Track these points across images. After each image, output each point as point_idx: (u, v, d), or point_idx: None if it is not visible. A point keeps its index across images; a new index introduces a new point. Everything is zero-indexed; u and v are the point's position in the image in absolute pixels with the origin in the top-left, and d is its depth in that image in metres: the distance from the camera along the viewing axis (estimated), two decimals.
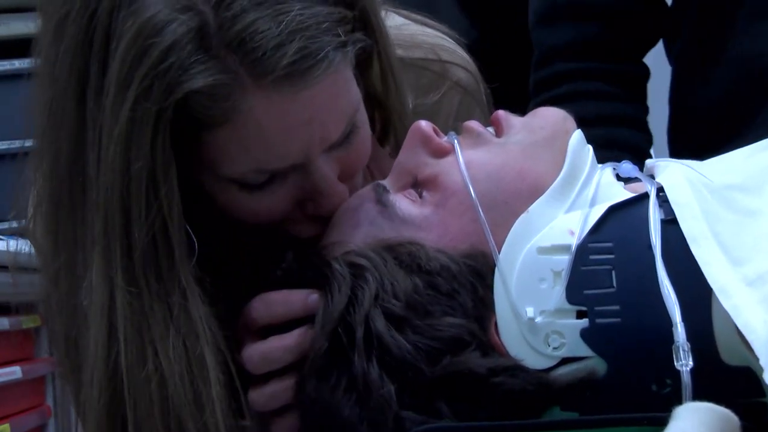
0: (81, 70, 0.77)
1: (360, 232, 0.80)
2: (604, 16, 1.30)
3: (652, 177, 0.80)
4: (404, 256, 0.75)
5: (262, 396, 0.79)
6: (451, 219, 0.77)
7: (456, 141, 0.81)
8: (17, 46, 2.97)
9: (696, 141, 1.27)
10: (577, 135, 0.81)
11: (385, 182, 0.82)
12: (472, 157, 0.79)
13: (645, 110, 1.35)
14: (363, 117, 0.88)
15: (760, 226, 0.72)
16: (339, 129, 0.83)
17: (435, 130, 0.83)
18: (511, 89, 1.33)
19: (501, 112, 0.83)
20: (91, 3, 0.77)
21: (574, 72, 1.31)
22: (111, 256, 0.78)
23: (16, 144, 2.87)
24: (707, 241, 0.71)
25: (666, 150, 1.37)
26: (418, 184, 0.81)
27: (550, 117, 0.82)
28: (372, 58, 0.91)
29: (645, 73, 1.36)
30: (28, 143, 0.86)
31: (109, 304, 0.78)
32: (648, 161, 0.84)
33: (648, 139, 1.35)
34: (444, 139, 0.82)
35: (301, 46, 0.76)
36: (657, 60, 1.38)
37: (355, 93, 0.85)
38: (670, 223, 0.73)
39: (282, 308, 0.78)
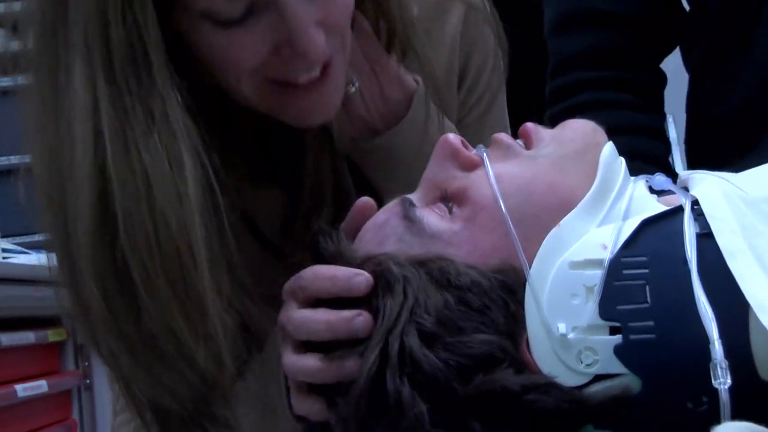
0: None
1: (387, 248, 0.78)
2: (619, 24, 1.29)
3: (686, 189, 0.78)
4: (435, 271, 0.74)
5: (295, 366, 0.78)
6: (481, 234, 0.76)
7: (485, 154, 0.80)
8: None
9: (714, 150, 1.25)
10: (609, 147, 0.79)
11: (412, 196, 0.81)
12: (502, 171, 0.78)
13: (662, 118, 1.34)
14: None
15: None
16: None
17: (463, 143, 0.81)
18: (526, 97, 1.33)
19: (530, 125, 0.81)
20: None
21: (591, 81, 1.30)
22: (92, 61, 0.81)
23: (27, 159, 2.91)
24: (744, 256, 0.69)
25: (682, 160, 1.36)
26: (448, 198, 0.79)
27: (580, 129, 0.81)
28: None
29: (662, 80, 1.34)
30: None
31: (92, 107, 0.81)
32: (681, 173, 0.82)
33: (666, 148, 1.33)
34: (473, 152, 0.81)
35: None
36: (673, 67, 1.36)
37: None
38: (705, 237, 0.71)
39: (329, 283, 0.77)
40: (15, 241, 2.46)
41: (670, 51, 1.34)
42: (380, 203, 0.86)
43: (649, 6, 1.29)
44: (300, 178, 1.00)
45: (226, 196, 0.85)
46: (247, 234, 1.00)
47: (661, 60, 1.34)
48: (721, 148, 1.22)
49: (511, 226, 0.74)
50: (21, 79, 0.90)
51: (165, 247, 0.81)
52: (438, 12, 1.07)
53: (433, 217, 0.78)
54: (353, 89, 0.98)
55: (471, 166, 0.80)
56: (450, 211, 0.78)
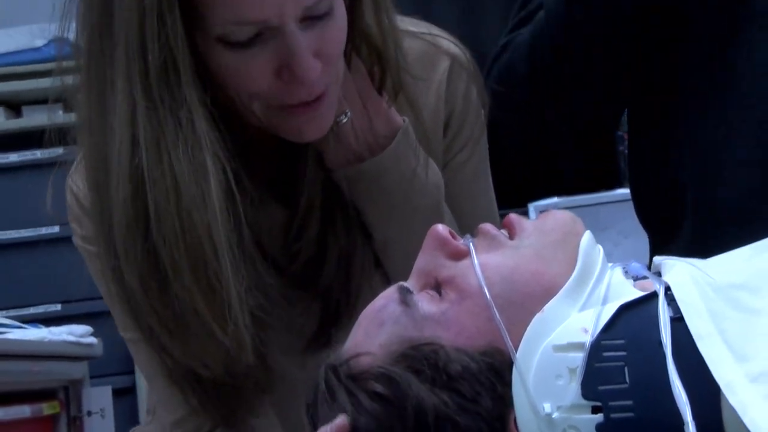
0: None
1: (384, 331, 0.82)
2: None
3: (659, 274, 0.83)
4: (425, 364, 0.78)
5: None
6: (468, 318, 0.80)
7: (472, 244, 0.84)
8: (38, 137, 3.03)
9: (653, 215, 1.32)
10: (587, 236, 0.84)
11: (408, 284, 0.85)
12: (488, 260, 0.82)
13: None
14: (340, 9, 1.00)
15: (763, 324, 0.74)
16: None
17: (452, 234, 0.86)
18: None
19: (513, 216, 0.86)
20: None
21: None
22: (132, 77, 0.95)
23: (42, 231, 2.94)
24: (713, 339, 0.74)
25: None
26: (438, 285, 0.83)
27: (560, 219, 0.85)
28: None
29: None
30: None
31: (131, 117, 0.95)
32: (655, 259, 0.87)
33: None
34: (460, 242, 0.85)
35: None
36: None
37: None
38: (678, 321, 0.76)
39: None
40: (9, 315, 2.49)
41: None
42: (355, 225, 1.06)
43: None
44: (298, 197, 1.11)
45: (243, 197, 0.98)
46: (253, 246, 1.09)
47: None
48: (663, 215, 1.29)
49: (496, 313, 0.78)
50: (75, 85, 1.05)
51: (189, 239, 0.95)
52: (427, 62, 1.17)
53: (426, 302, 0.82)
54: (345, 120, 1.09)
55: (459, 255, 0.84)
56: (440, 295, 0.82)
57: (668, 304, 0.77)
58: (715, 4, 1.19)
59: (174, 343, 1.02)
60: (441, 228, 0.86)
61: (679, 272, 0.80)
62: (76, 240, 1.16)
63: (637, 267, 0.83)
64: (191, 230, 0.95)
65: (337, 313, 1.14)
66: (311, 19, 0.96)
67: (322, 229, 1.12)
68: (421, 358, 0.78)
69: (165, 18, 0.92)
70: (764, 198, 1.15)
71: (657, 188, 1.28)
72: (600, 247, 0.85)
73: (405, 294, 0.83)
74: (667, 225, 1.25)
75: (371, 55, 1.10)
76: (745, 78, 1.18)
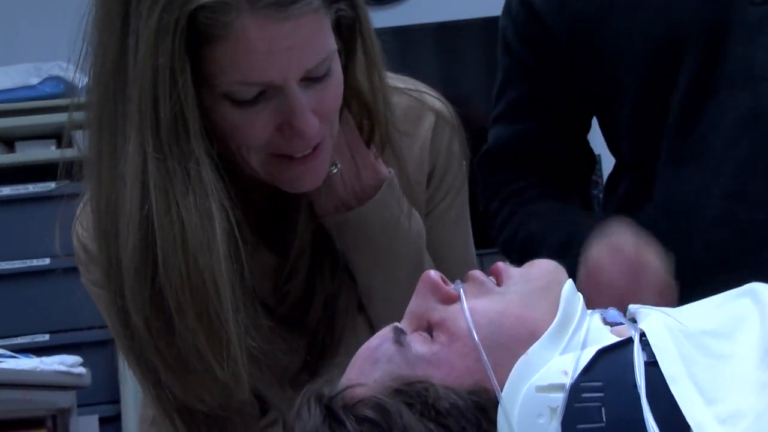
0: None
1: (379, 368, 0.86)
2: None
3: (634, 321, 0.88)
4: (417, 400, 0.81)
5: None
6: (457, 359, 0.84)
7: (461, 290, 0.89)
8: (31, 172, 3.07)
9: None
10: (569, 284, 0.89)
11: (401, 325, 0.90)
12: (476, 305, 0.86)
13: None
14: (338, 70, 1.05)
15: (731, 369, 0.79)
16: (313, 60, 1.00)
17: (443, 279, 0.90)
18: None
19: (500, 264, 0.91)
20: None
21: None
22: (143, 130, 0.98)
23: (33, 263, 2.97)
24: (685, 382, 0.79)
25: None
26: (429, 327, 0.88)
27: (544, 268, 0.90)
28: (355, 39, 1.08)
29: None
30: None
31: (142, 168, 0.99)
32: (630, 307, 0.92)
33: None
34: (451, 287, 0.90)
35: None
36: None
37: (331, 43, 1.02)
38: (652, 365, 0.80)
39: None
40: (7, 344, 2.52)
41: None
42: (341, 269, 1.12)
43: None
44: (289, 243, 1.15)
45: (243, 243, 1.02)
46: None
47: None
48: None
49: (483, 354, 0.83)
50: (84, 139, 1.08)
51: (194, 283, 0.99)
52: (414, 117, 1.22)
53: (418, 343, 0.86)
54: (335, 170, 1.14)
55: (449, 300, 0.88)
56: (431, 336, 0.87)
57: (643, 349, 0.82)
58: (687, 74, 1.23)
59: (174, 380, 1.05)
60: (433, 274, 0.90)
61: (654, 319, 0.85)
62: (84, 281, 1.20)
63: (614, 314, 0.88)
64: (197, 274, 0.99)
65: (322, 351, 1.19)
66: (311, 79, 1.01)
67: (310, 272, 1.17)
68: (412, 394, 0.82)
69: (177, 77, 0.96)
70: (733, 252, 1.20)
71: None
72: (580, 294, 0.90)
73: (399, 334, 0.87)
74: None
75: (361, 110, 1.15)
76: (716, 140, 1.22)
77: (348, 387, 0.86)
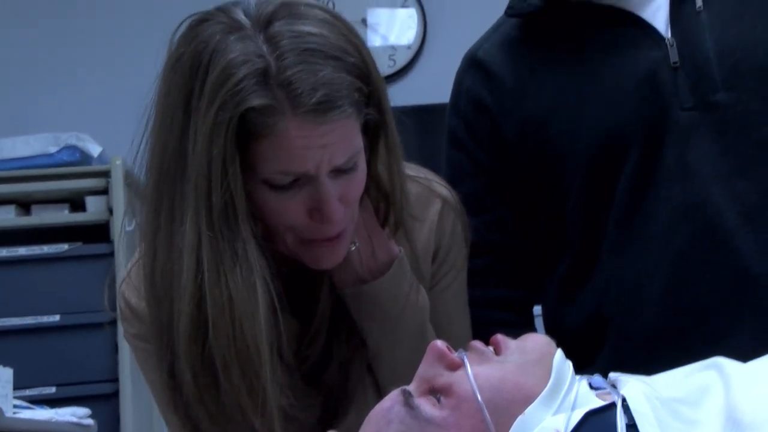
0: (188, 89, 1.08)
1: (392, 428, 0.95)
2: (493, 251, 1.43)
3: (615, 386, 0.97)
4: None
5: None
6: (464, 420, 0.93)
7: (465, 358, 0.98)
8: (45, 234, 3.14)
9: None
10: (559, 354, 0.98)
11: (410, 388, 0.98)
12: (479, 371, 0.95)
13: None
14: (362, 164, 1.15)
15: None
16: (343, 157, 1.10)
17: (448, 348, 0.99)
18: None
19: (499, 336, 1.00)
20: (199, 46, 1.08)
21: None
22: (199, 211, 1.08)
23: (44, 319, 3.02)
24: None
25: None
26: (436, 391, 0.96)
27: (538, 341, 1.00)
28: (379, 137, 1.18)
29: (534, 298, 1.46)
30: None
31: (197, 244, 1.08)
32: (611, 375, 1.01)
33: None
34: (455, 355, 0.99)
35: (326, 93, 1.06)
36: None
37: (359, 142, 1.12)
38: (632, 427, 0.89)
39: None
40: (17, 395, 2.56)
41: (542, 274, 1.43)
42: (356, 336, 1.22)
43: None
44: (313, 311, 1.25)
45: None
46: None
47: (534, 282, 1.44)
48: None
49: (487, 414, 0.92)
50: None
51: (239, 345, 1.08)
52: (423, 202, 1.32)
53: (427, 406, 0.95)
54: (353, 248, 1.23)
55: (454, 366, 0.97)
56: (438, 401, 0.96)
57: (624, 413, 0.91)
58: (629, 170, 1.29)
59: (215, 429, 1.14)
60: (440, 343, 1.00)
61: (633, 387, 0.95)
62: (127, 337, 1.28)
63: (599, 380, 0.98)
64: (242, 338, 1.08)
65: (336, 408, 1.27)
66: (340, 171, 1.11)
67: (328, 338, 1.25)
68: None
69: (228, 167, 1.06)
70: (673, 332, 1.26)
71: (576, 323, 1.36)
72: (570, 362, 0.99)
73: (408, 397, 0.96)
74: (587, 350, 1.31)
75: (379, 196, 1.24)
76: (656, 229, 1.28)
77: None
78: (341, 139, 1.09)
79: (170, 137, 1.10)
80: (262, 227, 1.14)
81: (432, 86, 3.01)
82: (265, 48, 1.06)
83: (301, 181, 1.10)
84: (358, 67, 1.10)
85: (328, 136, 1.07)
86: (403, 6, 3.82)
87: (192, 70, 1.07)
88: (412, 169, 1.32)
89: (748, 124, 1.26)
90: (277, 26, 1.07)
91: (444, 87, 1.51)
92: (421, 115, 3.63)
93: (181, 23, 1.13)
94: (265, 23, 1.08)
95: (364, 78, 1.11)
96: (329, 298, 1.25)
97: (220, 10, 1.12)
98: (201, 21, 1.11)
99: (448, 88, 1.49)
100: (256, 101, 1.05)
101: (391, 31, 3.81)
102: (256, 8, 1.10)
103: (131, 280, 1.26)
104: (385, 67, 3.76)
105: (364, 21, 3.77)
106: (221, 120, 1.05)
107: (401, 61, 3.80)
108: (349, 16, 1.21)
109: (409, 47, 3.81)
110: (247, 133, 1.06)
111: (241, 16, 1.09)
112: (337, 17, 1.12)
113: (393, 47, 3.80)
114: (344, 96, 1.07)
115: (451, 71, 1.49)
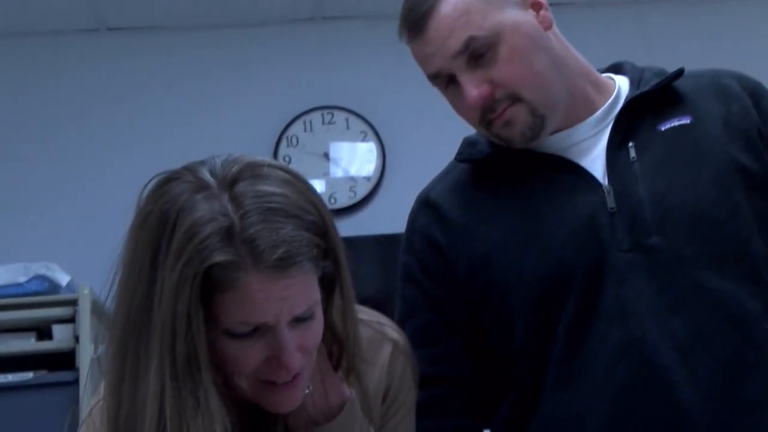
0: (156, 245, 1.12)
1: None
2: (444, 381, 1.46)
3: None
4: None
5: None
6: None
7: None
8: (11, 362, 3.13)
9: None
10: None
11: None
12: None
13: None
14: (319, 313, 1.18)
15: None
16: (301, 308, 1.14)
17: None
18: None
19: None
20: (166, 204, 1.12)
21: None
22: (163, 362, 1.10)
23: None
24: None
25: None
26: None
27: None
28: (335, 287, 1.22)
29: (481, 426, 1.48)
30: None
31: (160, 393, 1.10)
32: None
33: None
34: None
35: (287, 249, 1.10)
36: None
37: (316, 293, 1.16)
38: None
39: None
40: None
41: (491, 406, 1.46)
42: None
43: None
44: None
45: None
46: None
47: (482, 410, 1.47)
48: None
49: None
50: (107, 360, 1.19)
51: None
52: (375, 346, 1.36)
53: None
54: (307, 391, 1.26)
55: None
56: None
57: None
58: (571, 308, 1.35)
59: None
60: None
61: None
62: None
63: None
64: None
65: None
66: (298, 320, 1.15)
67: None
68: None
69: (192, 320, 1.09)
70: None
71: None
72: None
73: None
74: None
75: (334, 341, 1.28)
76: (597, 365, 1.32)
77: None
78: (300, 292, 1.13)
79: (137, 290, 1.13)
80: (222, 374, 1.17)
81: (391, 217, 3.03)
82: (229, 207, 1.10)
83: (260, 329, 1.13)
84: (316, 225, 1.15)
85: (288, 289, 1.11)
86: (363, 140, 3.95)
87: (160, 228, 1.11)
88: (365, 314, 1.36)
89: (679, 267, 1.33)
90: (242, 186, 1.13)
91: (402, 217, 1.57)
92: (381, 244, 3.74)
93: (150, 180, 1.18)
94: (230, 183, 1.13)
95: (322, 234, 1.15)
96: None
97: (187, 169, 1.17)
98: (169, 180, 1.16)
99: (406, 218, 1.55)
100: (220, 257, 1.08)
101: (352, 163, 3.93)
102: (222, 168, 1.15)
103: (93, 421, 1.27)
104: (346, 198, 3.88)
105: (326, 155, 3.89)
106: (186, 276, 1.08)
107: (361, 192, 3.91)
108: (314, 149, 1.29)
109: (368, 179, 3.93)
110: (210, 287, 1.10)
111: (207, 176, 1.14)
112: (297, 177, 1.18)
113: (353, 179, 3.92)
114: (303, 252, 1.11)
115: (409, 202, 1.56)
